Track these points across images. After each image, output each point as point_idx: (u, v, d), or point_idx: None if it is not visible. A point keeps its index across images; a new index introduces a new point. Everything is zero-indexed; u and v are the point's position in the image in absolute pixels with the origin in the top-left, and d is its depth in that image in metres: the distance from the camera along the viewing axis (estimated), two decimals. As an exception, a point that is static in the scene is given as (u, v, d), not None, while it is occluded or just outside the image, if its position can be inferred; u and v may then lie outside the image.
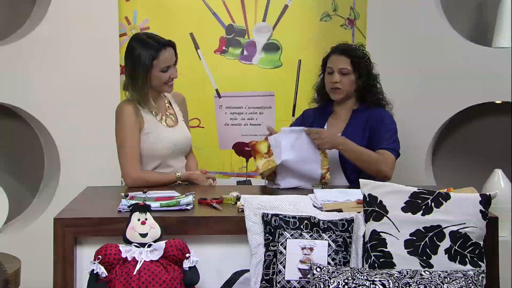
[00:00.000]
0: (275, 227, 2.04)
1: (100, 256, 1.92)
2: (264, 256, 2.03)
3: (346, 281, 1.86)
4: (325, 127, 2.76)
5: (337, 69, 2.70)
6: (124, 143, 2.65)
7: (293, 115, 3.49)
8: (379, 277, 1.86)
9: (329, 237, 2.02)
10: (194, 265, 1.96)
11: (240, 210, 2.15)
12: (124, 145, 2.65)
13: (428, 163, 3.52)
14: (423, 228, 1.97)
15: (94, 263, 1.91)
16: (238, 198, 2.26)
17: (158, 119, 2.73)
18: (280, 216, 2.05)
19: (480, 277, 1.88)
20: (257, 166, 2.56)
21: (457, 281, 1.84)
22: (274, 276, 2.00)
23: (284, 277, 1.99)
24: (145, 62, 2.62)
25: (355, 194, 2.26)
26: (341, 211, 2.13)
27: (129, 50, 2.68)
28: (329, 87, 2.73)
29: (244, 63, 3.57)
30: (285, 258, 2.00)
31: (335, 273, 1.89)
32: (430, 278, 1.85)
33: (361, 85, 2.72)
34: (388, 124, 2.70)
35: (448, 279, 1.85)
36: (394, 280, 1.84)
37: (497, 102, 3.43)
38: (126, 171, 2.64)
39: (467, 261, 1.95)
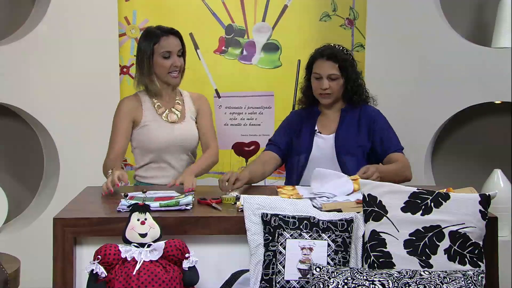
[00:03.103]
0: (275, 227, 2.04)
1: (99, 256, 1.91)
2: (264, 256, 2.03)
3: (345, 281, 1.86)
4: (316, 128, 2.77)
5: (326, 75, 2.69)
6: (112, 132, 2.75)
7: (293, 115, 3.50)
8: (379, 277, 1.86)
9: (328, 237, 2.02)
10: (194, 265, 1.96)
11: (239, 210, 2.15)
12: (112, 134, 2.75)
13: (428, 163, 3.52)
14: (423, 228, 1.97)
15: (94, 263, 1.91)
16: (237, 198, 2.26)
17: (160, 113, 2.76)
18: (279, 216, 2.05)
19: (479, 277, 1.88)
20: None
21: (457, 281, 1.84)
22: (274, 276, 2.00)
23: (283, 277, 1.99)
24: (147, 47, 2.72)
25: (355, 194, 2.26)
26: (341, 211, 2.13)
27: (139, 40, 2.80)
28: (318, 92, 2.73)
29: (244, 63, 3.57)
30: (284, 258, 2.00)
31: (335, 273, 1.89)
32: (429, 278, 1.85)
33: (350, 88, 2.72)
34: (385, 124, 2.75)
35: (448, 279, 1.85)
36: (394, 280, 1.84)
37: (497, 102, 3.44)
38: (105, 158, 2.72)
39: (467, 261, 1.95)
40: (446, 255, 1.95)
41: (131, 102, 2.78)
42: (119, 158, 2.71)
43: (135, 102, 2.78)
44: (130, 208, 2.00)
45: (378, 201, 2.03)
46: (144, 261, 1.92)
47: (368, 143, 2.71)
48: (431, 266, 1.94)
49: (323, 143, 2.74)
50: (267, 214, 2.06)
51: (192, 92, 2.92)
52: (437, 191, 2.02)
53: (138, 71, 2.79)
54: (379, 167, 2.52)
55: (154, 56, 2.72)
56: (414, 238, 1.97)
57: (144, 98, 2.80)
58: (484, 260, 1.97)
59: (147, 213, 1.97)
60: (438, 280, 1.84)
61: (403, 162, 2.66)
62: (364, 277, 1.86)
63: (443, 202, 1.99)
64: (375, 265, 1.97)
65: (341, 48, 2.77)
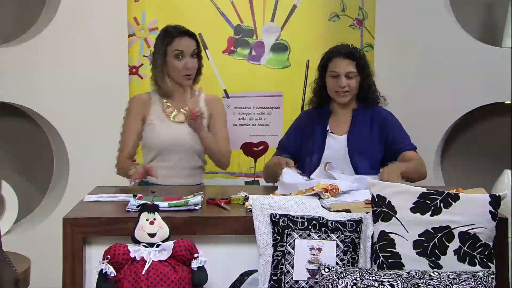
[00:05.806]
0: (283, 227, 2.04)
1: (108, 256, 1.92)
2: (272, 256, 2.03)
3: (354, 281, 1.85)
4: (328, 128, 2.76)
5: (344, 73, 2.71)
6: (123, 130, 2.79)
7: (302, 115, 3.49)
8: (388, 278, 1.85)
9: (337, 237, 2.02)
10: (202, 265, 1.97)
11: (248, 210, 2.15)
12: (122, 133, 2.79)
13: (437, 164, 3.51)
14: (432, 228, 1.97)
15: (103, 263, 1.92)
16: (246, 198, 2.26)
17: (167, 112, 2.77)
18: (288, 216, 2.05)
19: (489, 278, 1.87)
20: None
21: (467, 282, 1.84)
22: (282, 277, 2.00)
23: (292, 278, 1.99)
24: (161, 47, 2.76)
25: (364, 195, 2.25)
26: (350, 212, 2.12)
27: (156, 38, 2.86)
28: (335, 90, 2.74)
29: (252, 63, 3.57)
30: (293, 259, 2.00)
31: (343, 273, 1.89)
32: (439, 279, 1.84)
33: (366, 86, 2.74)
34: (396, 123, 2.77)
35: (457, 280, 1.84)
36: (403, 281, 1.84)
37: (507, 102, 3.42)
38: (117, 158, 2.75)
39: (477, 262, 1.94)
40: (456, 256, 1.94)
41: (141, 100, 2.81)
42: (132, 156, 2.78)
43: (144, 100, 2.81)
44: (139, 208, 2.00)
45: (387, 201, 2.02)
46: (153, 261, 1.93)
47: (380, 144, 2.72)
48: (440, 267, 1.94)
49: (336, 143, 2.74)
50: (275, 214, 2.06)
51: (207, 94, 2.91)
52: (446, 192, 2.01)
53: (152, 70, 2.83)
54: (400, 166, 2.53)
55: (167, 57, 2.75)
56: (423, 238, 1.96)
57: (155, 96, 2.83)
58: (494, 261, 1.96)
59: (156, 213, 1.98)
60: (448, 281, 1.83)
61: (419, 160, 2.68)
62: (373, 278, 1.85)
63: (452, 202, 1.98)
64: (384, 265, 1.97)
65: (355, 47, 2.81)
